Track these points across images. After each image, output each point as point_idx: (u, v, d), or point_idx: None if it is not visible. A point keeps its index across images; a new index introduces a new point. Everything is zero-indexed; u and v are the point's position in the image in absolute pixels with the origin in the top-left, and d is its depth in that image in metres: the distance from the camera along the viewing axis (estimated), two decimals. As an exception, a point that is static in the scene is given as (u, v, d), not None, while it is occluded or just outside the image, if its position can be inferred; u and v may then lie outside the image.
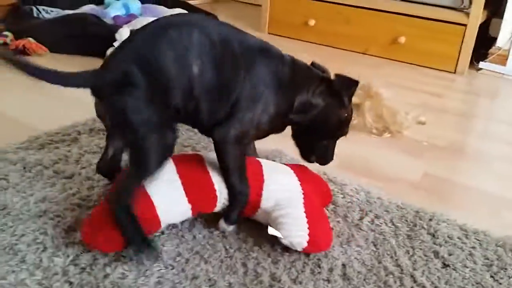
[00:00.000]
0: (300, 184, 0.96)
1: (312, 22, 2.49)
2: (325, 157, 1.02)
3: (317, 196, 0.99)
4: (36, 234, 0.88)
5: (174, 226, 0.94)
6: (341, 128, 0.99)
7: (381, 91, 1.53)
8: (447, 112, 1.78)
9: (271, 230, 0.88)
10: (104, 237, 0.82)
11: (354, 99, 1.51)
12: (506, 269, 0.90)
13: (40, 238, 0.87)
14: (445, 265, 0.91)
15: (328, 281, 0.84)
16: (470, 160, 1.42)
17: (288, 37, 2.57)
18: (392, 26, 2.30)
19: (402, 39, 2.27)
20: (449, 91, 2.01)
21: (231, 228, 0.93)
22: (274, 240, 0.90)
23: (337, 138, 1.01)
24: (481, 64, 2.24)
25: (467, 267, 0.90)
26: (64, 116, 1.38)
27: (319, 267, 0.87)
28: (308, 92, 0.93)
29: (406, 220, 1.03)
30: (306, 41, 2.53)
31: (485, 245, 0.96)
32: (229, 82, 0.85)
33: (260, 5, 2.66)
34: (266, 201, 0.92)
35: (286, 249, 0.90)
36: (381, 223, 1.01)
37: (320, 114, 0.95)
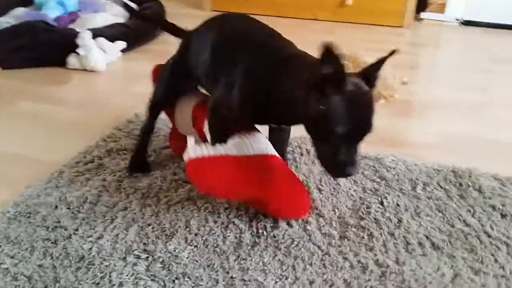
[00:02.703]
0: (266, 157, 0.95)
1: (256, -6, 2.47)
2: (325, 162, 0.83)
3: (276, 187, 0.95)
4: (136, 276, 0.84)
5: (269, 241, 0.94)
6: (322, 121, 0.77)
7: (367, 59, 1.59)
8: (414, 67, 1.90)
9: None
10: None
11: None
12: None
13: (144, 281, 0.83)
14: (503, 216, 1.01)
15: (424, 255, 0.90)
16: (465, 112, 1.54)
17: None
18: (336, -11, 2.36)
19: (349, 1, 2.34)
20: (405, 46, 2.13)
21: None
22: (357, 230, 0.95)
23: (335, 139, 0.78)
24: (422, 15, 2.39)
25: (522, 213, 1.02)
26: (67, 144, 1.27)
27: (409, 243, 0.93)
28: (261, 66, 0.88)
29: (451, 181, 1.12)
30: (253, 14, 2.49)
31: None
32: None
33: (197, -18, 2.57)
34: None
35: (372, 235, 0.95)
36: (432, 190, 1.10)
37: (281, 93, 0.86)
